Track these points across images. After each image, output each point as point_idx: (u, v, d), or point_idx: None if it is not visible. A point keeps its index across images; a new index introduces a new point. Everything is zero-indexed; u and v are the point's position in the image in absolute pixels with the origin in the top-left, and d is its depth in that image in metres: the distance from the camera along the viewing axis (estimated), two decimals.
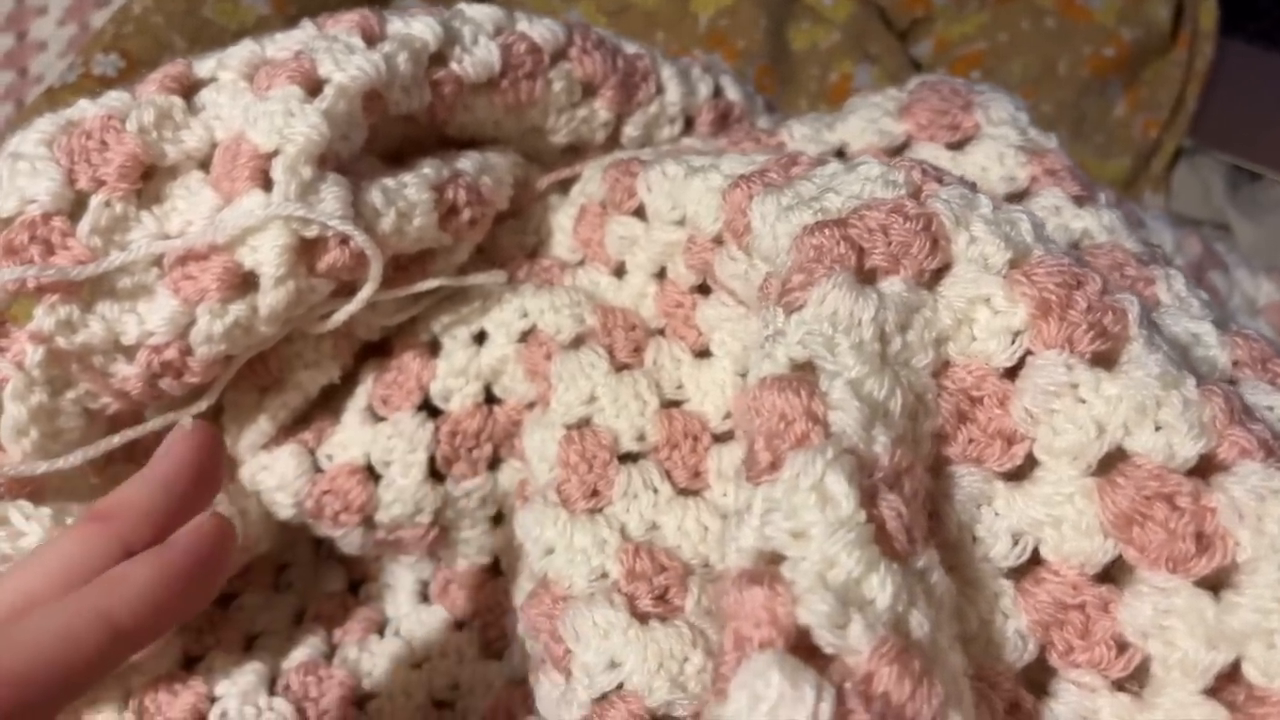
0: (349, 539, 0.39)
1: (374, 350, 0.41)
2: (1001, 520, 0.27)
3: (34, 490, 0.34)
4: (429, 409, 0.39)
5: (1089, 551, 0.26)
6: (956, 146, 0.41)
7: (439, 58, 0.39)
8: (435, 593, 0.42)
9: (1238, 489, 0.24)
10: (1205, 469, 0.25)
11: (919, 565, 0.24)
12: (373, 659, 0.39)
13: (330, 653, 0.40)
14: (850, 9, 0.73)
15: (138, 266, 0.34)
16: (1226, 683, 0.24)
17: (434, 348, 0.40)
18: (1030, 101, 0.69)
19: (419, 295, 0.39)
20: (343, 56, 0.36)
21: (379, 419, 0.39)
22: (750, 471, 0.25)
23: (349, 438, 0.39)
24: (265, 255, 0.33)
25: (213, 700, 0.36)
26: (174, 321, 0.34)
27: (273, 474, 0.38)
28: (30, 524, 0.32)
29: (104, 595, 0.24)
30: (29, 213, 0.33)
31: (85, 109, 0.35)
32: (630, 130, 0.44)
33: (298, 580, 0.43)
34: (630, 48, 0.44)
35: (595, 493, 0.33)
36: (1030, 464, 0.27)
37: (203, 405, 0.36)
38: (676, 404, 0.36)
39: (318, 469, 0.39)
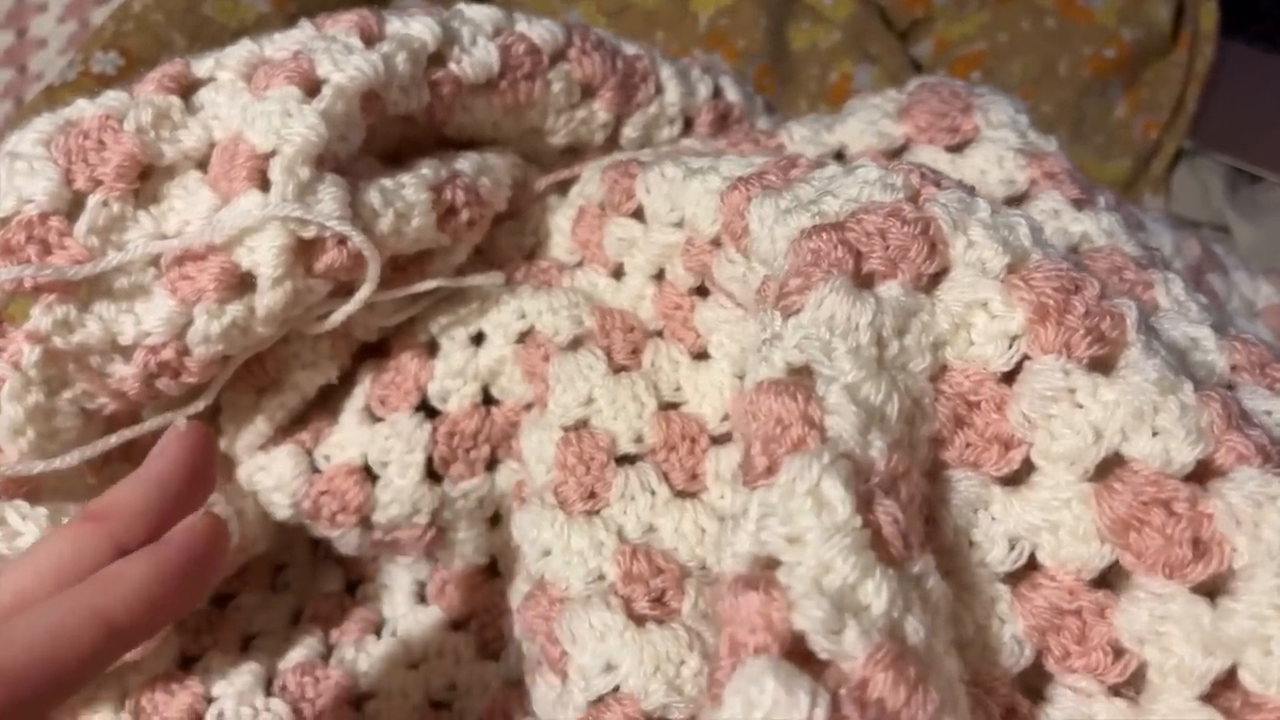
0: (346, 539, 0.39)
1: (372, 351, 0.41)
2: (998, 525, 0.27)
3: (30, 490, 0.34)
4: (427, 410, 0.39)
5: (1086, 557, 0.26)
6: (956, 149, 0.40)
7: (437, 58, 0.39)
8: (432, 594, 0.41)
9: (1235, 495, 0.24)
10: (1203, 474, 0.25)
11: (915, 571, 0.23)
12: (369, 659, 0.39)
13: (327, 653, 0.40)
14: (850, 9, 0.73)
15: (135, 266, 0.34)
16: (1223, 689, 0.24)
17: (432, 349, 0.40)
18: (1030, 102, 0.69)
19: (417, 296, 0.39)
20: (341, 57, 0.36)
21: (376, 419, 0.39)
22: (746, 476, 0.25)
23: (346, 438, 0.39)
24: (263, 256, 0.33)
25: (209, 700, 0.36)
26: (171, 322, 0.34)
27: (270, 474, 0.38)
28: (26, 524, 0.32)
29: (98, 593, 0.24)
30: (26, 212, 0.33)
31: (83, 108, 0.35)
32: (629, 131, 0.44)
33: (295, 581, 0.43)
34: (629, 48, 0.44)
35: (592, 494, 0.33)
36: (1027, 469, 0.27)
37: (200, 405, 0.36)
38: (674, 406, 0.35)
39: (315, 469, 0.39)
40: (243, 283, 0.34)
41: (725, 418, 0.35)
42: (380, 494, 0.38)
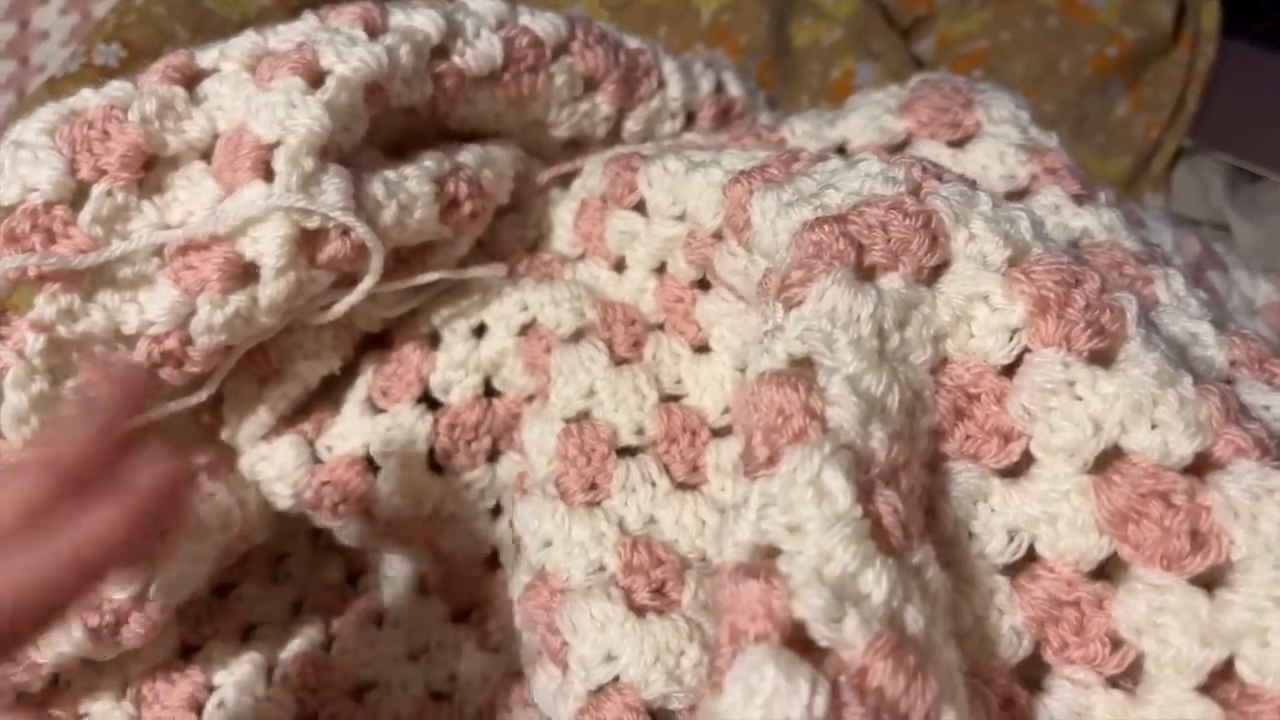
0: (347, 530, 0.39)
1: (374, 342, 0.41)
2: (997, 517, 0.27)
3: None
4: (428, 401, 0.39)
5: (1084, 548, 0.26)
6: (957, 144, 0.41)
7: (441, 50, 0.39)
8: (433, 584, 0.42)
9: (1233, 487, 0.24)
10: (1201, 467, 0.25)
11: (915, 561, 0.24)
12: (370, 650, 0.40)
13: (328, 643, 0.40)
14: (852, 6, 0.73)
15: (139, 256, 0.34)
16: (1219, 680, 0.24)
17: (434, 340, 0.40)
18: (1032, 100, 0.69)
19: (419, 288, 0.39)
20: (345, 48, 0.36)
21: (379, 411, 0.39)
22: (748, 466, 0.25)
23: (348, 429, 0.39)
24: (266, 246, 0.33)
25: (210, 689, 0.36)
26: (174, 311, 0.34)
27: (272, 464, 0.38)
28: None
29: (70, 531, 0.24)
30: (30, 201, 0.33)
31: (88, 98, 0.35)
32: (631, 125, 0.44)
33: (296, 571, 0.43)
34: (632, 42, 0.44)
35: (594, 486, 0.33)
36: (1027, 461, 0.27)
37: (203, 395, 0.37)
38: (675, 398, 0.36)
39: (317, 460, 0.39)
40: (246, 273, 0.34)
41: (726, 410, 0.35)
42: (382, 485, 0.38)
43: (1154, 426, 0.25)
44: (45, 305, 0.33)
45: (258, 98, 0.35)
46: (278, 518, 0.40)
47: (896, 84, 0.45)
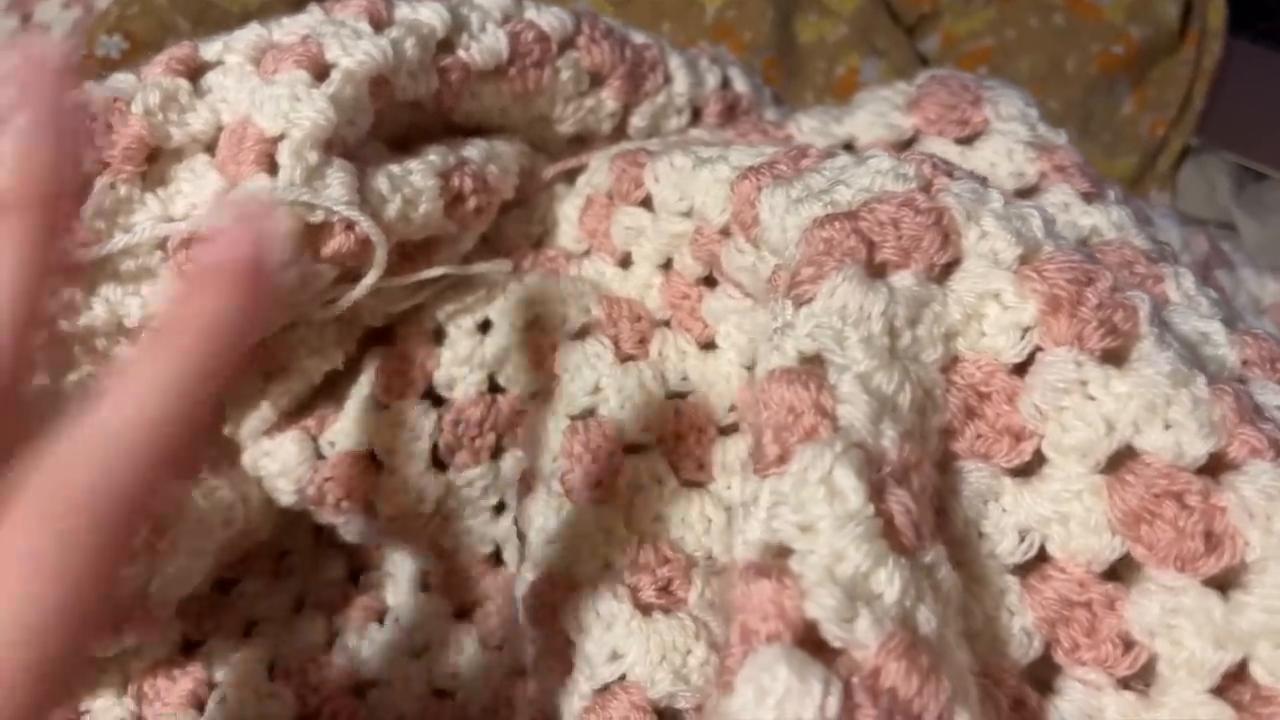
0: (350, 527, 0.39)
1: (378, 337, 0.41)
2: (1008, 517, 0.27)
3: None
4: (432, 397, 0.39)
5: (1096, 549, 0.25)
6: (965, 142, 0.40)
7: (446, 44, 0.38)
8: (436, 582, 0.41)
9: (1248, 488, 0.24)
10: (1215, 468, 0.25)
11: (927, 560, 0.23)
12: (372, 647, 0.39)
13: (330, 640, 0.40)
14: (857, 2, 0.73)
15: (142, 249, 0.34)
16: (1233, 682, 0.24)
17: (438, 336, 0.40)
18: (1037, 99, 0.69)
19: (423, 283, 0.39)
20: (350, 41, 0.35)
21: (382, 407, 0.39)
22: (757, 464, 0.25)
23: (352, 425, 0.38)
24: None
25: (212, 686, 0.36)
26: None
27: (275, 460, 0.38)
28: None
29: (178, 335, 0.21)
30: None
31: (90, 90, 0.35)
32: (637, 120, 0.44)
33: (298, 567, 0.43)
34: (638, 38, 0.44)
35: (599, 483, 0.33)
36: (1038, 461, 0.27)
37: None
38: (681, 396, 0.35)
39: (320, 456, 0.38)
40: None
41: (732, 408, 0.34)
42: (385, 481, 0.38)
43: (1168, 426, 0.25)
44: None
45: (262, 90, 0.34)
46: (280, 514, 0.40)
47: (902, 81, 0.45)
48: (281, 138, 0.33)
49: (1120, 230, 0.35)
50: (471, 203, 0.39)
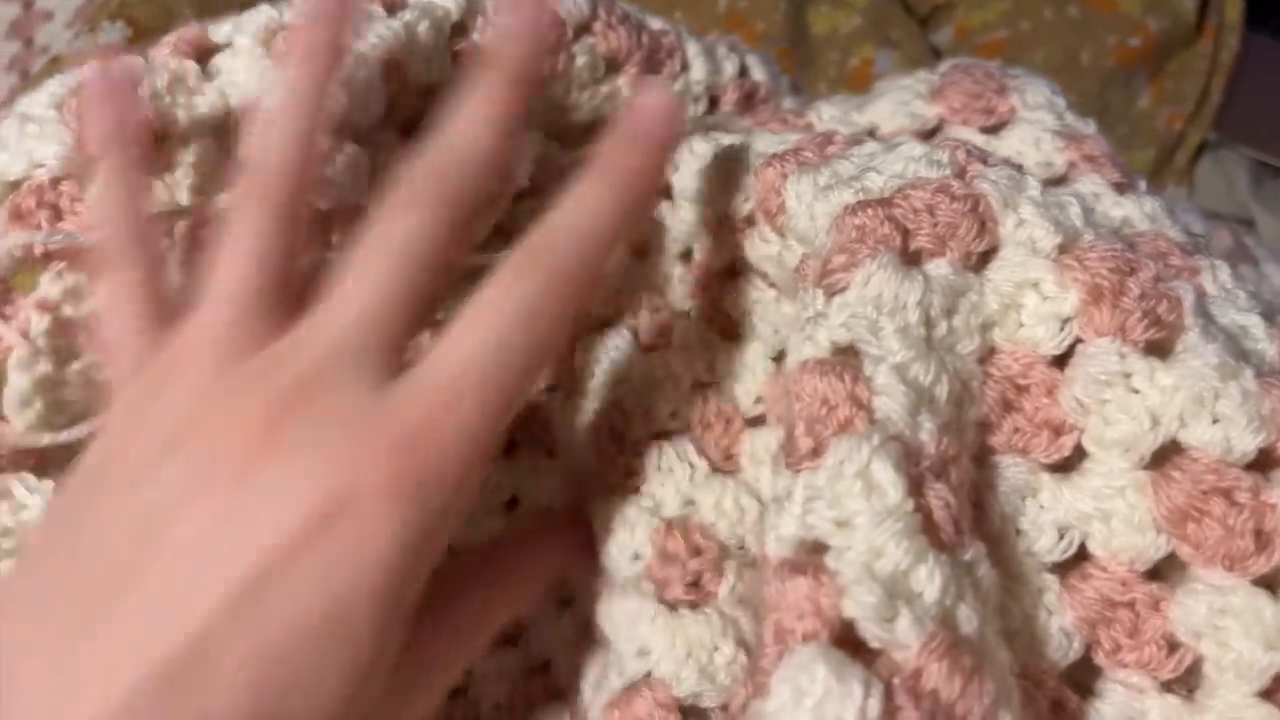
0: None
1: None
2: (1047, 513, 0.26)
3: (38, 463, 0.33)
4: None
5: (1140, 547, 0.25)
6: (991, 131, 0.39)
7: (460, 28, 0.37)
8: None
9: None
10: (1264, 463, 0.24)
11: (966, 557, 0.23)
12: None
13: None
14: None
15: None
16: None
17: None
18: None
19: None
20: (361, 24, 0.34)
21: None
22: (790, 458, 0.24)
23: None
24: None
25: None
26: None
27: None
28: (33, 497, 0.31)
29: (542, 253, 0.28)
30: (37, 176, 0.32)
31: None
32: None
33: None
34: (655, 24, 0.43)
35: (630, 472, 0.32)
36: (1079, 455, 0.26)
37: None
38: (705, 385, 0.34)
39: None
40: None
41: (758, 399, 0.34)
42: None
43: (1215, 420, 0.24)
44: (50, 284, 0.32)
45: (272, 73, 0.33)
46: None
47: (923, 70, 0.44)
48: None
49: (1154, 222, 0.34)
50: None
